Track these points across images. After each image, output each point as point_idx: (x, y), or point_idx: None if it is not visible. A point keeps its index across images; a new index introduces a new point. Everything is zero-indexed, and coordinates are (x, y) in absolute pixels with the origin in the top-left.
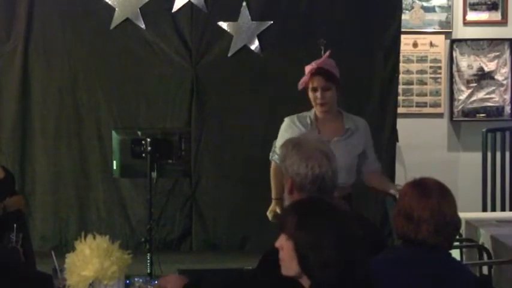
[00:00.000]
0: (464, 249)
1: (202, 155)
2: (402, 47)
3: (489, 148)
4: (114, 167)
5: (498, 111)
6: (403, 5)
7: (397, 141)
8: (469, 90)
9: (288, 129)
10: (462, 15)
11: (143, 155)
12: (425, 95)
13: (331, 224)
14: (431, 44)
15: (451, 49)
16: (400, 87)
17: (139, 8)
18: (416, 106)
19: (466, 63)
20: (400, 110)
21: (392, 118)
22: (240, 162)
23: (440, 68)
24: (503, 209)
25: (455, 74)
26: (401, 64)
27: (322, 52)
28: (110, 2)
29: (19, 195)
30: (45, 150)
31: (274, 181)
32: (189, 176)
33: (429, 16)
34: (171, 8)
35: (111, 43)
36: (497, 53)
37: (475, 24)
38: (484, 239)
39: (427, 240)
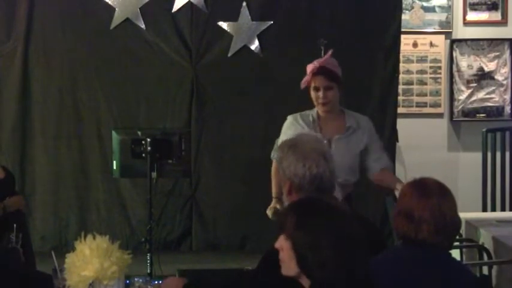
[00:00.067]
0: (464, 249)
1: (202, 155)
2: (402, 47)
3: (489, 148)
4: (114, 167)
5: (498, 111)
6: (403, 5)
7: (397, 141)
8: (469, 90)
9: (290, 126)
10: (462, 15)
11: (143, 155)
12: (425, 95)
13: (329, 224)
14: (431, 44)
15: (451, 49)
16: (400, 87)
17: (139, 8)
18: (416, 106)
19: (466, 63)
20: (400, 110)
21: (392, 118)
22: (240, 162)
23: (440, 68)
24: (503, 209)
25: (455, 74)
26: (401, 64)
27: (322, 52)
28: (110, 2)
29: (19, 195)
30: (45, 150)
31: (275, 180)
32: (189, 176)
33: (429, 16)
34: (171, 8)
35: (111, 43)
36: (497, 53)
37: (475, 24)
38: (484, 239)
39: (427, 240)
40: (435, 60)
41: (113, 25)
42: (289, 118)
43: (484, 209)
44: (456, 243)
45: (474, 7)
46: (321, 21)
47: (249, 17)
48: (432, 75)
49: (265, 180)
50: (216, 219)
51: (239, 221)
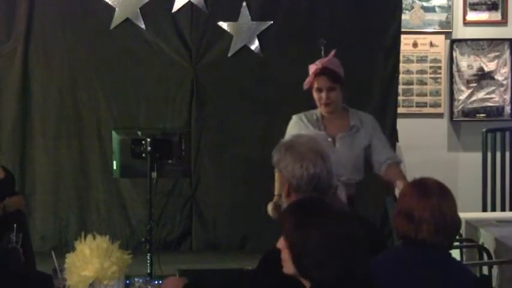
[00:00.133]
0: (464, 249)
1: (202, 155)
2: (402, 47)
3: (489, 148)
4: (114, 167)
5: (498, 111)
6: (403, 5)
7: (397, 141)
8: (469, 90)
9: (294, 125)
10: (462, 15)
11: (143, 155)
12: (425, 95)
13: (326, 224)
14: (431, 44)
15: (451, 49)
16: (400, 87)
17: (139, 8)
18: (416, 106)
19: (466, 63)
20: (400, 110)
21: (392, 118)
22: (240, 162)
23: (440, 68)
24: (503, 209)
25: (455, 74)
26: (401, 64)
27: (322, 52)
28: (110, 2)
29: (19, 195)
30: (45, 151)
31: (278, 177)
32: (189, 176)
33: (429, 16)
34: (171, 8)
35: (111, 43)
36: (497, 53)
37: (475, 24)
38: (484, 239)
39: (427, 240)
40: (435, 60)
41: (113, 25)
42: (294, 118)
43: (484, 209)
44: (456, 243)
45: (474, 7)
46: (321, 21)
47: (249, 17)
48: (432, 75)
49: (265, 180)
50: (216, 219)
51: (239, 221)
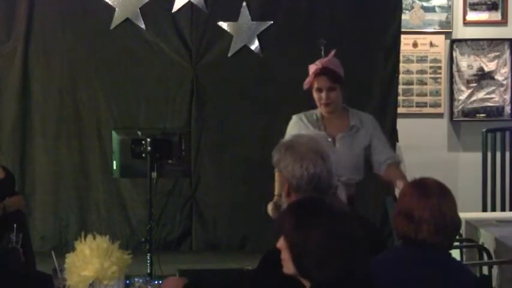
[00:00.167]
0: (464, 249)
1: (202, 155)
2: (402, 47)
3: (489, 148)
4: (114, 167)
5: (498, 111)
6: (403, 5)
7: (397, 141)
8: (469, 90)
9: (294, 126)
10: (462, 15)
11: (143, 155)
12: (425, 95)
13: (326, 224)
14: (431, 44)
15: (451, 49)
16: (400, 87)
17: (139, 8)
18: (416, 106)
19: (466, 63)
20: (400, 110)
21: (392, 118)
22: (240, 162)
23: (440, 68)
24: (503, 209)
25: (455, 74)
26: (401, 64)
27: (322, 52)
28: (110, 2)
29: (19, 195)
30: (45, 151)
31: (278, 177)
32: (189, 176)
33: (429, 16)
34: (171, 8)
35: (111, 43)
36: (497, 53)
37: (475, 24)
38: (484, 239)
39: (427, 240)
40: (435, 60)
41: (113, 25)
42: (294, 118)
43: (484, 209)
44: (456, 243)
45: (474, 7)
46: (321, 21)
47: (249, 17)
48: (432, 75)
49: (265, 180)
50: (216, 219)
51: (239, 221)
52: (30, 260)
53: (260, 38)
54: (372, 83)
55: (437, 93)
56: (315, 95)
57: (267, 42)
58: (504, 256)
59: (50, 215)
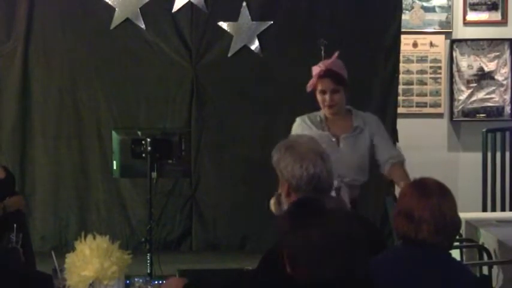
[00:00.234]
0: (464, 249)
1: (202, 155)
2: (402, 47)
3: (489, 148)
4: (114, 167)
5: (498, 111)
6: (403, 5)
7: (397, 141)
8: (469, 90)
9: (298, 127)
10: (462, 15)
11: (143, 155)
12: (425, 95)
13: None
14: (431, 44)
15: (451, 49)
16: (400, 87)
17: (139, 8)
18: (416, 106)
19: (466, 63)
20: (400, 110)
21: (392, 118)
22: (240, 162)
23: (440, 68)
24: (503, 209)
25: (455, 74)
26: (401, 64)
27: (322, 52)
28: (110, 2)
29: (19, 195)
30: (45, 150)
31: None
32: (189, 176)
33: (429, 16)
34: (171, 8)
35: (111, 43)
36: (497, 53)
37: (475, 24)
38: (484, 239)
39: (427, 240)
40: (435, 60)
41: (113, 25)
42: (297, 120)
43: (484, 209)
44: (456, 243)
45: (474, 7)
46: (321, 21)
47: (249, 17)
48: (432, 75)
49: (265, 180)
50: (216, 219)
51: (239, 221)
52: (30, 260)
53: (260, 38)
54: (372, 83)
55: (437, 93)
56: (319, 97)
57: (267, 42)
58: (504, 256)
59: (50, 215)
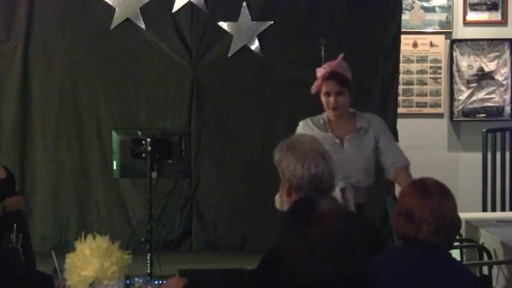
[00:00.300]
0: (464, 249)
1: (202, 155)
2: (402, 47)
3: (489, 148)
4: (114, 167)
5: (498, 111)
6: (403, 5)
7: (397, 141)
8: (469, 91)
9: (301, 130)
10: (462, 15)
11: (143, 155)
12: (426, 95)
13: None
14: (431, 44)
15: (451, 49)
16: (400, 87)
17: (139, 8)
18: (417, 106)
19: (466, 63)
20: (400, 110)
21: (392, 118)
22: (240, 162)
23: (440, 68)
24: (503, 209)
25: (455, 74)
26: (401, 64)
27: (322, 52)
28: (110, 2)
29: (19, 195)
30: (45, 150)
31: None
32: (189, 176)
33: (429, 16)
34: (171, 8)
35: (111, 43)
36: (497, 53)
37: (475, 25)
38: (484, 239)
39: (427, 240)
40: (435, 60)
41: (113, 25)
42: (301, 123)
43: (484, 209)
44: (456, 243)
45: (474, 7)
46: (321, 21)
47: (249, 17)
48: (432, 75)
49: (265, 180)
50: (216, 219)
51: (239, 221)
52: (30, 260)
53: (260, 38)
54: (372, 83)
55: (437, 93)
56: (323, 98)
57: (267, 42)
58: (504, 256)
59: (50, 215)
